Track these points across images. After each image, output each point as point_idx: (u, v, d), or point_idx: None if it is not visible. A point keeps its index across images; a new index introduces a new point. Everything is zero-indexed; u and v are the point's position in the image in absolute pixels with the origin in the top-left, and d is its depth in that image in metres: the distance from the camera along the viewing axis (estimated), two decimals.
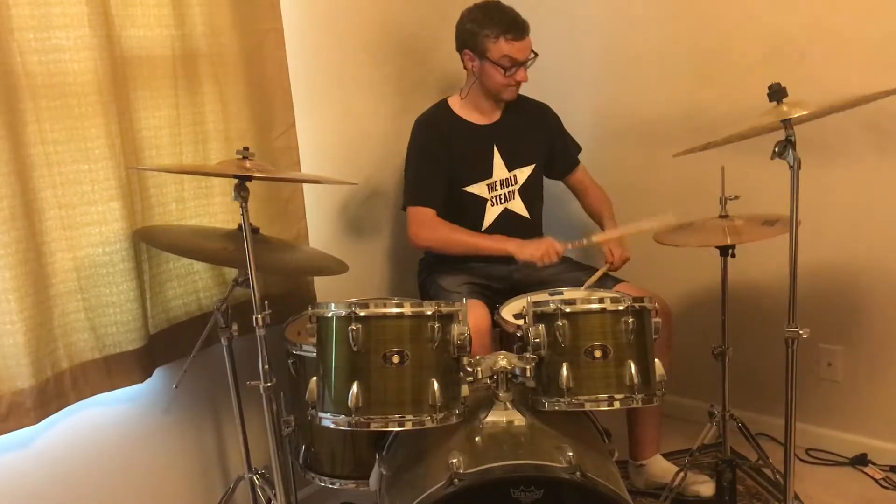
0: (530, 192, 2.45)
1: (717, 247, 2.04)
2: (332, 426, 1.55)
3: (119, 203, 1.83)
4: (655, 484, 2.33)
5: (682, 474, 2.21)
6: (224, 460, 2.24)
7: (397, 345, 1.52)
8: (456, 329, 1.56)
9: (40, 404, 1.72)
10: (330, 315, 1.56)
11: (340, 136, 2.50)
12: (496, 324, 2.05)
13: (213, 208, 2.07)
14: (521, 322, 1.66)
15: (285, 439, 2.03)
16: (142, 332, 1.89)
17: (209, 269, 2.08)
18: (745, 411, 2.35)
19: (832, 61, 2.34)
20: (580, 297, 1.85)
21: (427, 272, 2.47)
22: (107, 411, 1.94)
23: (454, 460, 1.48)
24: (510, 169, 2.41)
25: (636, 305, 1.59)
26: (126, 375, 1.89)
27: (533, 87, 2.42)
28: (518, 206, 2.43)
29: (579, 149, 2.57)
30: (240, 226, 1.69)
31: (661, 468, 2.33)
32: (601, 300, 1.61)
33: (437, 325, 1.53)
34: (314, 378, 1.59)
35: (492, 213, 2.40)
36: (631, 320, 1.57)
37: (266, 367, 1.72)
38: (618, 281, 2.28)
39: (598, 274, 2.24)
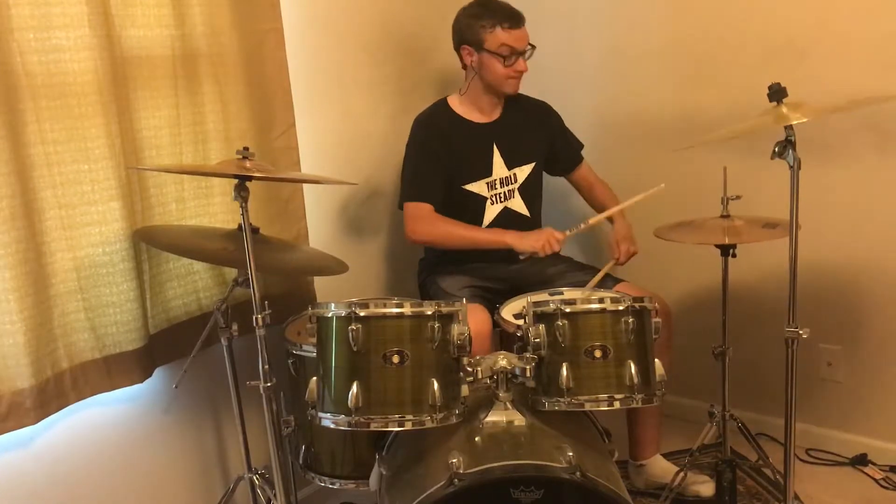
0: (530, 191, 2.45)
1: (717, 246, 2.04)
2: (332, 426, 1.55)
3: (119, 203, 1.83)
4: (655, 484, 2.32)
5: (682, 474, 2.20)
6: (224, 460, 2.24)
7: (397, 345, 1.52)
8: (456, 329, 1.56)
9: (40, 404, 1.72)
10: (330, 315, 1.56)
11: (340, 136, 2.50)
12: (496, 324, 2.05)
13: (213, 208, 2.07)
14: (521, 322, 1.66)
15: (285, 439, 2.03)
16: (142, 332, 1.89)
17: (209, 269, 2.08)
18: (745, 411, 2.35)
19: (832, 61, 2.33)
20: (580, 297, 1.84)
21: (427, 272, 2.46)
22: (107, 411, 1.94)
23: (454, 460, 1.47)
24: (510, 167, 2.41)
25: (636, 305, 1.59)
26: (126, 375, 1.89)
27: (533, 86, 2.43)
28: (518, 204, 2.43)
29: (582, 146, 2.57)
30: (240, 226, 1.69)
31: (661, 468, 2.33)
32: (601, 300, 1.61)
33: (437, 325, 1.53)
34: (314, 378, 1.59)
35: (491, 212, 2.40)
36: (631, 320, 1.57)
37: (266, 367, 1.72)
38: (618, 281, 2.28)
39: (604, 270, 2.24)
